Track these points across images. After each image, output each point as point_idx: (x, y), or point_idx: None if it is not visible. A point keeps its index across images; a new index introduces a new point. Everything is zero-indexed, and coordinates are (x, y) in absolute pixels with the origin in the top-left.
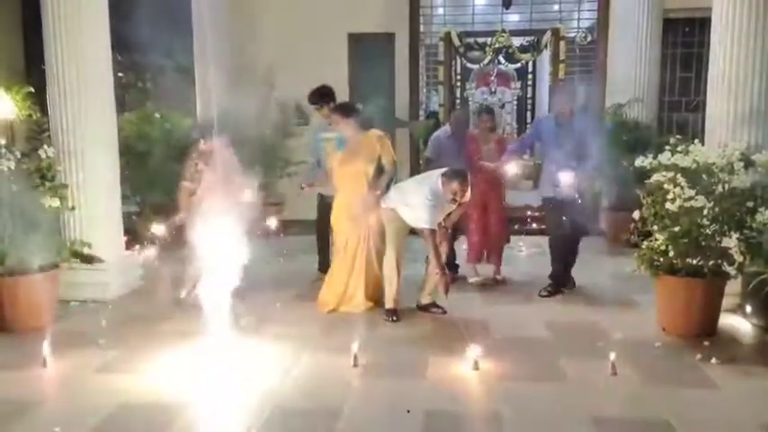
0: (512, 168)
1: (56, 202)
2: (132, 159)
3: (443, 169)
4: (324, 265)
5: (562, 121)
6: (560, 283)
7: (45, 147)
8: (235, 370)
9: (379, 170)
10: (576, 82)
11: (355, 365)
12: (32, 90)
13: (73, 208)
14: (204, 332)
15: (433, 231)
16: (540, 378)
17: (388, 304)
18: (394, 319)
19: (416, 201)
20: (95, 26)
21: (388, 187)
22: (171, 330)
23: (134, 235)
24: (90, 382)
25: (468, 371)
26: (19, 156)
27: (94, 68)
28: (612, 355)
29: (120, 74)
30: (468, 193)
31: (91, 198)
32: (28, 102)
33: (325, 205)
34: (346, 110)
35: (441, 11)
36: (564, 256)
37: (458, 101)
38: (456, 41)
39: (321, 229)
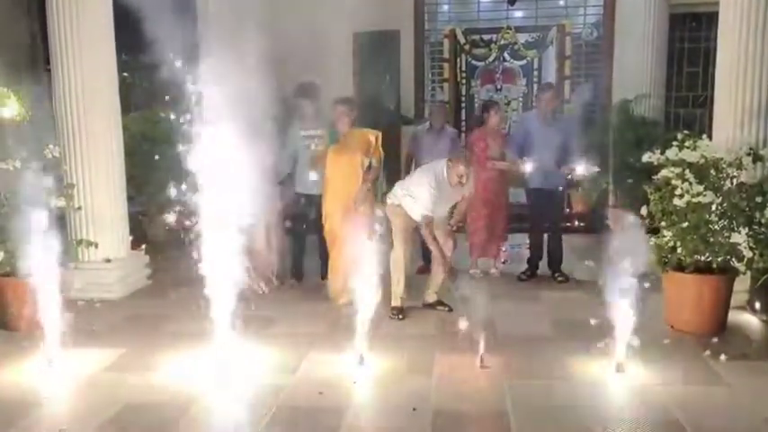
0: (522, 166)
1: (62, 202)
2: (137, 159)
3: (447, 158)
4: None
5: (547, 118)
6: (536, 266)
7: (51, 146)
8: (240, 368)
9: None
10: (583, 78)
11: (361, 363)
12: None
13: (79, 208)
14: (210, 331)
15: (429, 219)
16: (546, 376)
17: (395, 302)
18: (400, 317)
19: (419, 190)
20: (100, 26)
21: (374, 182)
22: (177, 329)
23: (139, 234)
24: (96, 381)
25: (475, 369)
26: (25, 156)
27: (99, 68)
28: (619, 353)
29: (125, 74)
30: (472, 185)
31: (97, 198)
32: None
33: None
34: (353, 104)
35: (445, 8)
36: (540, 243)
37: (462, 98)
38: (461, 38)
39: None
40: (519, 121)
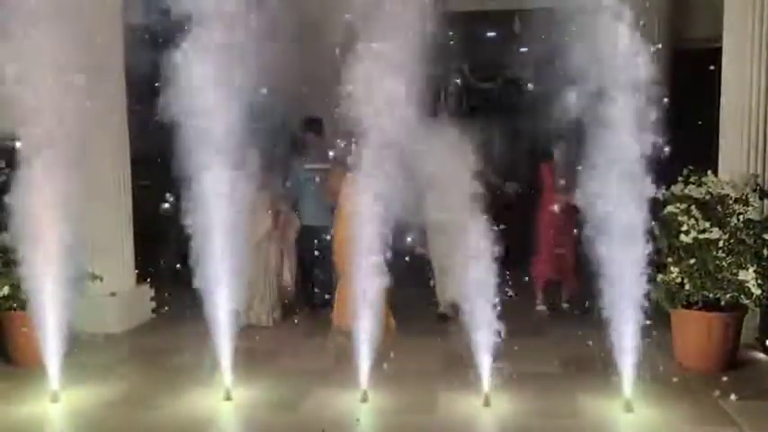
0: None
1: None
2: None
3: None
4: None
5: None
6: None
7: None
8: (244, 405)
9: None
10: None
11: (364, 401)
12: None
13: (85, 241)
14: (215, 366)
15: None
16: (553, 414)
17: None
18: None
19: None
20: (108, 47)
21: None
22: (180, 365)
23: (145, 267)
24: (99, 418)
25: (480, 407)
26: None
27: (107, 99)
28: (628, 391)
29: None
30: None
31: (103, 231)
32: None
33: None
34: None
35: (452, 42)
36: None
37: None
38: (467, 72)
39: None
40: None
